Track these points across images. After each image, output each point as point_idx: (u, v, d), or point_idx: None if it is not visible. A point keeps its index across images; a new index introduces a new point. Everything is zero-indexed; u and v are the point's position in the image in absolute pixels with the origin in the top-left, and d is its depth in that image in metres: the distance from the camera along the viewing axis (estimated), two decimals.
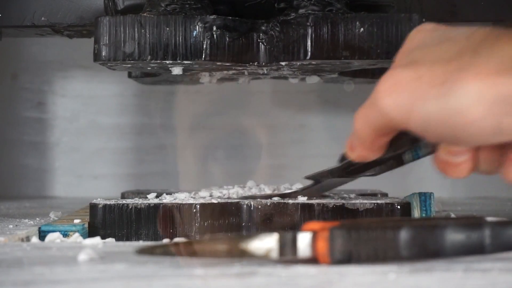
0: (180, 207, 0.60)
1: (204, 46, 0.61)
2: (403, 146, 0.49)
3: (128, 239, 0.61)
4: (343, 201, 0.62)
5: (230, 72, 0.69)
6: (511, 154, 0.48)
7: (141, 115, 1.08)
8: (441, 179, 0.99)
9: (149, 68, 0.66)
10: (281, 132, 1.05)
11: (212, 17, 0.62)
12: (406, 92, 0.46)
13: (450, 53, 0.46)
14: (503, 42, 0.45)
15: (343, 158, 0.58)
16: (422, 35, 0.49)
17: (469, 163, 0.48)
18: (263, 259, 0.44)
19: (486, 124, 0.44)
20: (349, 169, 0.57)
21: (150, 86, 1.06)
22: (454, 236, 0.45)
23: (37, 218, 0.68)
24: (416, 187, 0.99)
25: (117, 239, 0.61)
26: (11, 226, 0.63)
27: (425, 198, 0.62)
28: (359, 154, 0.51)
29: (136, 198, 0.66)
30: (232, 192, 0.69)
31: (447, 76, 0.45)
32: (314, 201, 0.62)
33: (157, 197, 0.66)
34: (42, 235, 0.60)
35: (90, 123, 1.08)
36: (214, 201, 0.62)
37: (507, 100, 0.44)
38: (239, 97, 1.06)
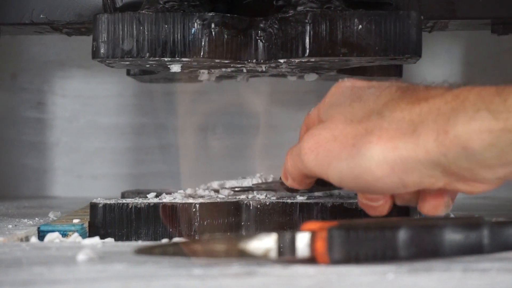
0: (181, 206, 0.60)
1: (203, 43, 0.61)
2: (328, 184, 0.55)
3: (128, 238, 0.61)
4: (341, 200, 0.62)
5: (229, 69, 0.69)
6: (422, 193, 0.53)
7: (141, 115, 1.08)
8: None
9: (147, 66, 0.66)
10: (281, 132, 1.05)
11: (210, 14, 0.62)
12: (324, 151, 0.53)
13: (360, 114, 0.52)
14: (403, 105, 0.51)
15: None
16: (340, 91, 0.55)
17: (385, 204, 0.55)
18: (262, 259, 0.44)
19: (390, 180, 0.50)
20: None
21: (150, 86, 1.06)
22: (452, 236, 0.45)
23: (36, 218, 0.68)
24: None
25: (117, 239, 0.61)
26: (10, 226, 0.63)
27: None
28: (290, 184, 0.58)
29: (136, 198, 0.66)
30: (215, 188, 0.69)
31: (357, 138, 0.51)
32: (313, 201, 0.62)
33: (156, 196, 0.66)
34: (41, 235, 0.60)
35: (90, 123, 1.08)
36: (214, 200, 0.62)
37: (406, 161, 0.49)
38: (239, 97, 1.06)
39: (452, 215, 0.69)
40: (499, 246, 0.46)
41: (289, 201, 0.62)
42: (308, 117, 0.59)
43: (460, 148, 0.48)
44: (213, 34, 0.62)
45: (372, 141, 0.50)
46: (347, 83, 0.56)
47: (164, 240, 0.60)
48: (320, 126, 0.54)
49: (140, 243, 0.58)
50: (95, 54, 0.62)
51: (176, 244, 0.44)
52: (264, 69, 0.68)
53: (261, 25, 0.64)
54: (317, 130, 0.54)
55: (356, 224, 0.44)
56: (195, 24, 0.61)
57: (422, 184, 0.50)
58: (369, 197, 0.55)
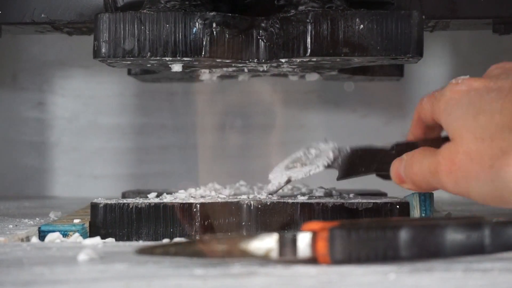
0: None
1: (204, 43, 0.61)
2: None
3: (128, 238, 0.61)
4: (342, 200, 0.62)
5: (230, 69, 0.69)
6: None
7: (142, 115, 1.08)
8: None
9: (148, 65, 0.66)
10: (281, 132, 1.05)
11: (211, 13, 0.62)
12: (462, 174, 0.52)
13: (489, 129, 0.51)
14: None
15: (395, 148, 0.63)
16: (458, 97, 0.54)
17: None
18: (263, 259, 0.44)
19: None
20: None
21: (150, 85, 1.06)
22: (454, 236, 0.45)
23: (37, 218, 0.68)
24: None
25: (118, 239, 0.61)
26: (11, 226, 0.63)
27: (424, 198, 0.62)
28: (406, 186, 0.58)
29: (137, 198, 0.66)
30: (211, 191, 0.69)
31: (493, 159, 0.51)
32: (313, 201, 0.62)
33: (157, 196, 0.66)
34: (42, 235, 0.60)
35: (90, 123, 1.08)
36: (215, 200, 0.62)
37: None
38: (239, 97, 1.06)
39: (453, 215, 0.69)
40: (500, 246, 0.46)
41: (290, 201, 0.62)
42: (421, 107, 0.59)
43: None
44: (215, 34, 0.62)
45: (509, 163, 0.50)
46: (462, 87, 0.54)
47: (165, 240, 0.60)
48: (453, 147, 0.53)
49: (141, 243, 0.58)
50: (96, 53, 0.62)
51: (177, 244, 0.44)
52: (265, 69, 0.68)
53: (263, 24, 0.64)
54: (450, 151, 0.53)
55: (358, 224, 0.44)
56: (197, 23, 0.61)
57: None
58: None
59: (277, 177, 0.65)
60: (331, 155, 0.65)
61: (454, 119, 0.54)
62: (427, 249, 0.45)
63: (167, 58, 0.62)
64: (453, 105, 0.54)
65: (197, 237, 0.59)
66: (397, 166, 0.59)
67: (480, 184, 0.51)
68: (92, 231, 0.61)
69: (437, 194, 0.67)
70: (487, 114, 0.52)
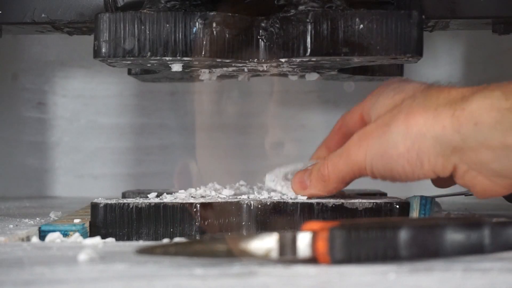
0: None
1: (204, 42, 0.61)
2: None
3: (129, 238, 0.61)
4: (342, 200, 0.62)
5: (230, 69, 0.69)
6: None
7: (142, 115, 1.08)
8: None
9: (148, 65, 0.66)
10: (281, 132, 1.05)
11: (212, 13, 0.62)
12: (365, 138, 0.58)
13: (398, 101, 0.58)
14: (435, 92, 0.57)
15: None
16: (384, 87, 0.61)
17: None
18: (263, 259, 0.44)
19: (410, 156, 0.55)
20: None
21: (150, 85, 1.06)
22: (453, 236, 0.45)
23: (37, 218, 0.68)
24: (415, 186, 0.99)
25: (118, 239, 0.61)
26: (11, 226, 0.63)
27: (425, 202, 0.62)
28: (324, 189, 0.62)
29: (137, 198, 0.66)
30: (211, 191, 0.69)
31: (390, 118, 0.57)
32: (313, 201, 0.62)
33: (157, 196, 0.66)
34: (42, 235, 0.60)
35: (91, 123, 1.08)
36: (215, 200, 0.62)
37: (424, 136, 0.55)
38: (239, 97, 1.06)
39: (453, 215, 0.69)
40: (500, 246, 0.46)
41: (290, 201, 0.62)
42: (346, 118, 0.65)
43: (472, 124, 0.53)
44: (215, 34, 0.62)
45: (400, 118, 0.56)
46: (393, 80, 0.62)
47: (165, 240, 0.60)
48: (366, 131, 0.59)
49: (141, 243, 0.58)
50: (96, 53, 0.62)
51: (177, 244, 0.44)
52: (265, 69, 0.68)
53: (263, 24, 0.64)
54: (365, 128, 0.59)
55: (357, 224, 0.44)
56: (197, 23, 0.61)
57: (436, 167, 0.55)
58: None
59: (273, 182, 0.67)
60: None
61: (376, 104, 0.60)
62: (427, 249, 0.45)
63: (167, 58, 0.62)
64: (378, 93, 0.61)
65: (197, 237, 0.59)
66: (301, 176, 0.63)
67: (373, 141, 0.57)
68: (92, 231, 0.62)
69: (436, 194, 0.67)
70: (403, 93, 0.59)
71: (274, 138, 1.03)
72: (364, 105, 0.63)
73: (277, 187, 0.66)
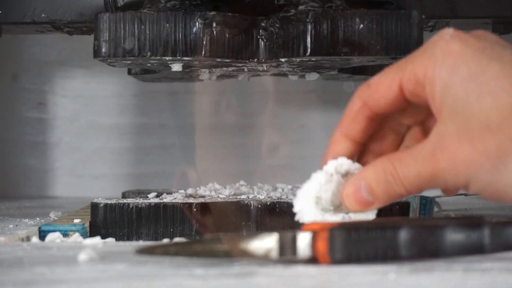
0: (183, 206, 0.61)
1: (204, 42, 0.61)
2: None
3: (129, 238, 0.61)
4: None
5: (230, 68, 0.69)
6: None
7: (142, 115, 1.08)
8: None
9: (148, 65, 0.66)
10: (281, 132, 1.05)
11: (212, 13, 0.62)
12: (464, 165, 0.46)
13: (496, 116, 0.45)
14: None
15: None
16: (453, 62, 0.46)
17: None
18: (263, 259, 0.44)
19: None
20: None
21: (150, 85, 1.06)
22: (454, 236, 0.45)
23: (37, 218, 0.68)
24: None
25: (118, 239, 0.61)
26: (11, 226, 0.63)
27: (425, 202, 0.62)
28: (379, 205, 0.49)
29: (137, 198, 0.66)
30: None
31: (500, 149, 0.45)
32: None
33: (157, 196, 0.66)
34: (42, 235, 0.60)
35: (91, 123, 1.08)
36: (215, 200, 0.62)
37: None
38: (239, 97, 1.06)
39: (453, 215, 0.69)
40: (500, 246, 0.46)
41: (290, 201, 0.62)
42: (370, 96, 0.49)
43: None
44: (215, 33, 0.62)
45: None
46: (455, 47, 0.46)
47: (165, 240, 0.60)
48: (453, 140, 0.46)
49: (141, 243, 0.58)
50: (96, 53, 0.62)
51: (177, 244, 0.44)
52: (265, 68, 0.68)
53: (263, 24, 0.64)
54: (452, 144, 0.46)
55: (357, 224, 0.44)
56: (197, 23, 0.61)
57: None
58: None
59: (307, 213, 0.50)
60: None
61: (451, 96, 0.46)
62: (427, 249, 0.45)
63: (167, 58, 0.62)
64: (449, 74, 0.46)
65: (197, 237, 0.59)
66: (355, 190, 0.49)
67: (482, 173, 0.46)
68: (92, 231, 0.61)
69: (436, 194, 0.67)
70: (491, 96, 0.45)
71: (273, 139, 1.03)
72: (409, 80, 0.48)
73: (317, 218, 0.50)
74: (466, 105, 0.45)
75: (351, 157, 0.50)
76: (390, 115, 0.50)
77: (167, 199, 0.63)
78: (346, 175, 0.50)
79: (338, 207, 0.50)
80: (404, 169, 0.47)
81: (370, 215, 0.49)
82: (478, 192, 0.47)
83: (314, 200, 0.49)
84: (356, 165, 0.50)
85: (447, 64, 0.46)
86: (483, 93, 0.45)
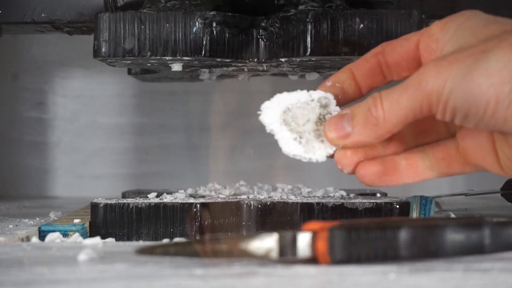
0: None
1: (204, 42, 0.61)
2: None
3: (128, 238, 0.61)
4: (342, 200, 0.62)
5: (230, 68, 0.69)
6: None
7: (142, 115, 1.08)
8: (441, 179, 0.99)
9: (148, 65, 0.66)
10: None
11: (212, 13, 0.62)
12: (448, 63, 0.48)
13: (495, 31, 0.49)
14: None
15: None
16: (467, 15, 0.51)
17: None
18: (263, 259, 0.44)
19: (501, 91, 0.46)
20: None
21: (150, 85, 1.06)
22: (454, 236, 0.45)
23: (37, 218, 0.68)
24: (415, 187, 0.99)
25: (118, 239, 0.61)
26: (11, 226, 0.63)
27: (425, 202, 0.62)
28: (356, 139, 0.51)
29: (137, 198, 0.66)
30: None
31: (487, 45, 0.47)
32: (313, 201, 0.62)
33: (157, 196, 0.66)
34: (42, 235, 0.60)
35: (91, 123, 1.08)
36: (215, 200, 0.62)
37: None
38: (239, 97, 1.06)
39: (453, 215, 0.69)
40: (500, 246, 0.46)
41: (290, 201, 0.62)
42: (388, 46, 0.53)
43: None
44: (215, 33, 0.62)
45: (502, 46, 0.47)
46: (473, 11, 0.52)
47: (165, 240, 0.60)
48: (438, 60, 0.49)
49: (141, 243, 0.58)
50: (96, 53, 0.62)
51: (177, 244, 0.44)
52: (265, 68, 0.68)
53: (263, 24, 0.64)
54: (446, 55, 0.49)
55: (357, 224, 0.44)
56: (197, 23, 0.61)
57: None
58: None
59: (272, 125, 0.52)
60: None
61: (456, 36, 0.50)
62: (427, 249, 0.45)
63: (167, 58, 0.62)
64: (461, 22, 0.51)
65: (197, 237, 0.59)
66: (339, 117, 0.51)
67: (461, 67, 0.47)
68: (92, 231, 0.61)
69: (436, 194, 0.67)
70: (499, 23, 0.50)
71: (273, 138, 1.03)
72: (428, 33, 0.52)
73: (279, 138, 0.51)
74: (470, 42, 0.49)
75: (343, 84, 0.53)
76: (398, 69, 0.53)
77: (167, 199, 0.63)
78: (324, 109, 0.51)
79: (303, 136, 0.51)
80: (390, 95, 0.49)
81: (328, 150, 0.51)
82: (448, 100, 0.48)
83: (283, 108, 0.51)
84: (337, 108, 0.52)
85: (462, 16, 0.52)
86: (491, 23, 0.50)
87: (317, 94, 0.52)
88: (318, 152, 0.51)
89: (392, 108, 0.49)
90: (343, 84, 0.53)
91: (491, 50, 0.47)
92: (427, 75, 0.48)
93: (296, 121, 0.51)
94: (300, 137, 0.51)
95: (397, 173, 0.52)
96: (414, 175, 0.52)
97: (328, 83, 0.53)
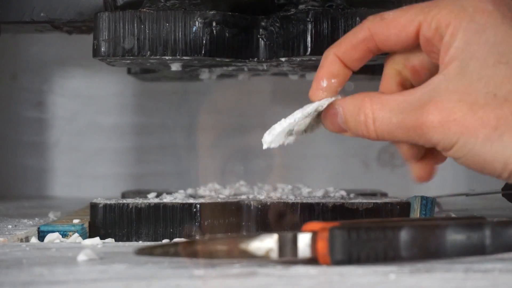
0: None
1: (204, 41, 0.61)
2: None
3: (128, 238, 0.61)
4: (342, 200, 0.62)
5: (230, 68, 0.69)
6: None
7: (141, 114, 1.08)
8: (441, 179, 0.99)
9: (148, 64, 0.66)
10: None
11: (211, 12, 0.62)
12: (457, 127, 0.45)
13: (506, 85, 0.44)
14: None
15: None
16: (483, 20, 0.45)
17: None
18: (263, 259, 0.44)
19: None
20: None
21: (150, 85, 1.06)
22: (454, 237, 0.45)
23: (36, 218, 0.68)
24: (415, 187, 0.99)
25: (118, 239, 0.61)
26: (10, 226, 0.63)
27: (426, 202, 0.62)
28: (353, 136, 0.50)
29: (137, 198, 0.65)
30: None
31: (501, 121, 0.44)
32: (314, 201, 0.62)
33: (157, 196, 0.66)
34: (41, 235, 0.60)
35: (90, 123, 1.08)
36: (215, 201, 0.62)
37: None
38: (239, 97, 1.05)
39: (453, 215, 0.69)
40: (501, 247, 0.46)
41: (290, 201, 0.62)
42: (380, 29, 0.48)
43: None
44: (214, 33, 0.61)
45: None
46: (488, 7, 0.45)
47: (165, 241, 0.59)
48: (452, 97, 0.44)
49: (141, 244, 0.58)
50: (95, 52, 0.62)
51: (177, 244, 0.44)
52: (265, 68, 0.67)
53: (263, 23, 0.63)
54: (449, 101, 0.44)
55: (358, 224, 0.44)
56: (196, 22, 0.61)
57: None
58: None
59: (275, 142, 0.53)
60: None
61: (468, 53, 0.44)
62: (428, 249, 0.45)
63: (166, 57, 0.62)
64: (474, 32, 0.45)
65: (197, 237, 0.59)
66: (333, 113, 0.50)
67: (473, 141, 0.45)
68: (92, 231, 0.61)
69: (437, 194, 0.67)
70: (508, 64, 0.44)
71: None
72: (429, 26, 0.46)
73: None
74: (480, 67, 0.44)
75: (342, 79, 0.51)
76: (393, 53, 0.50)
77: (166, 199, 0.63)
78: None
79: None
80: (383, 113, 0.47)
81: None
82: (459, 157, 0.46)
83: (285, 134, 0.52)
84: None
85: (475, 22, 0.45)
86: (501, 62, 0.44)
87: (313, 106, 0.51)
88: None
89: (383, 130, 0.47)
90: (338, 78, 0.51)
91: (507, 132, 0.44)
92: (432, 129, 0.45)
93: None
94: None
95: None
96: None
97: (323, 83, 0.51)
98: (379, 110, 0.47)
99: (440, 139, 0.45)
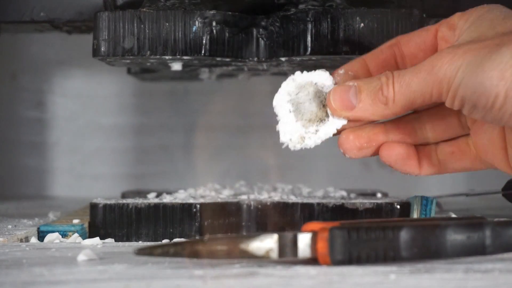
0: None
1: (204, 41, 0.61)
2: None
3: (128, 238, 0.61)
4: (342, 200, 0.62)
5: (230, 68, 0.68)
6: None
7: (141, 115, 1.08)
8: (441, 179, 0.99)
9: (148, 64, 0.66)
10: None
11: (211, 12, 0.62)
12: (464, 54, 0.48)
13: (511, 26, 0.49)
14: None
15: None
16: (482, 11, 0.52)
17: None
18: (263, 259, 0.44)
19: (507, 84, 0.46)
20: None
21: (150, 85, 1.06)
22: (454, 237, 0.45)
23: (36, 218, 0.68)
24: (416, 187, 0.99)
25: (117, 239, 0.61)
26: (10, 226, 0.63)
27: (426, 202, 0.62)
28: (359, 114, 0.52)
29: (136, 198, 0.65)
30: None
31: (503, 40, 0.48)
32: (314, 201, 0.62)
33: (157, 196, 0.66)
34: (41, 235, 0.60)
35: (90, 123, 1.08)
36: (215, 201, 0.62)
37: None
38: (239, 97, 1.05)
39: (453, 215, 0.69)
40: (501, 247, 0.46)
41: (290, 201, 0.62)
42: (405, 37, 0.54)
43: None
44: (214, 32, 0.61)
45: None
46: (494, 5, 0.52)
47: (165, 241, 0.59)
48: (463, 43, 0.49)
49: (141, 244, 0.58)
50: (95, 52, 0.62)
51: (176, 244, 0.44)
52: (265, 68, 0.67)
53: (263, 23, 0.63)
54: (459, 46, 0.49)
55: (358, 224, 0.44)
56: (196, 22, 0.61)
57: None
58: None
59: (288, 129, 0.54)
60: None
61: (474, 26, 0.51)
62: (428, 249, 0.45)
63: (166, 57, 0.62)
64: (480, 14, 0.52)
65: (197, 237, 0.59)
66: (345, 89, 0.52)
67: (474, 56, 0.48)
68: (92, 232, 0.61)
69: (437, 194, 0.67)
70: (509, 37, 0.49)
71: (273, 138, 1.02)
72: (448, 22, 0.53)
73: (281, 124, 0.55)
74: (490, 25, 0.50)
75: (355, 73, 0.54)
76: (414, 60, 0.54)
77: (166, 199, 0.63)
78: (323, 88, 0.53)
79: (312, 120, 0.53)
80: (402, 75, 0.50)
81: (341, 122, 0.52)
82: (459, 89, 0.48)
83: (287, 99, 0.54)
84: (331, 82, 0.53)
85: (482, 7, 0.52)
86: (508, 16, 0.50)
87: (304, 78, 0.54)
88: (313, 137, 0.53)
89: (403, 90, 0.50)
90: (356, 73, 0.54)
91: (506, 44, 0.47)
92: (440, 61, 0.49)
93: (299, 107, 0.54)
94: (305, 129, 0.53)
95: (416, 160, 0.54)
96: (428, 166, 0.54)
97: (341, 70, 0.54)
98: (398, 75, 0.50)
99: (447, 68, 0.48)
